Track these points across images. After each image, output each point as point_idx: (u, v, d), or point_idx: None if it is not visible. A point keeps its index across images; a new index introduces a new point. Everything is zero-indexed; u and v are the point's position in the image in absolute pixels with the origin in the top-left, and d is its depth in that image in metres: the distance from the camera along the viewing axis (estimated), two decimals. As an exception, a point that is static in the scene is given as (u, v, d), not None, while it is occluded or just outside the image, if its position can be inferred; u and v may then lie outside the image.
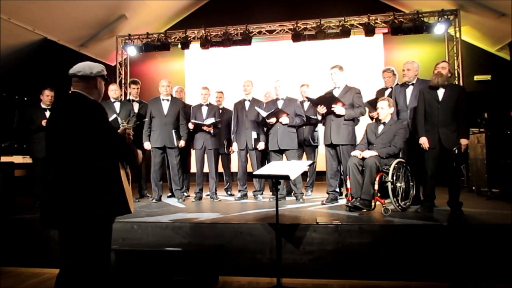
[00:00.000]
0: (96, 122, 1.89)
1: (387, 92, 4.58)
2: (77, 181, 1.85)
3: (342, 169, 4.36)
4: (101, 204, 1.87)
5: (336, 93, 4.26)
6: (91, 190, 1.86)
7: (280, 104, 4.71)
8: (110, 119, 4.12)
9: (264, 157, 5.10)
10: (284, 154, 4.74)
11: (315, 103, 4.31)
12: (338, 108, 4.14)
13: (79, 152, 1.86)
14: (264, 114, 4.59)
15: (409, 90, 4.13)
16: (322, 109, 4.23)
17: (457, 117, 3.60)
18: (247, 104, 4.99)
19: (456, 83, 6.75)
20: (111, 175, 1.93)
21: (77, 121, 1.86)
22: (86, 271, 1.89)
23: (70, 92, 1.99)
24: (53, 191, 1.86)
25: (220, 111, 5.27)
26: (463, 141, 3.56)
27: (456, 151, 3.57)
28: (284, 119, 4.56)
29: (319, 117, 4.52)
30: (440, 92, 3.67)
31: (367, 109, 4.45)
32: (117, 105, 4.91)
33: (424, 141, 3.70)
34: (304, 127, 5.08)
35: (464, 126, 3.61)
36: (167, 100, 4.86)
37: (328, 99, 4.18)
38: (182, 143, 4.83)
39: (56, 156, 1.88)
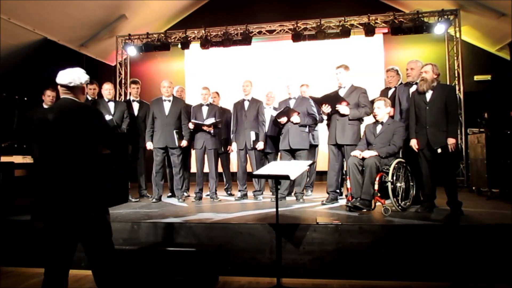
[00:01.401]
0: (98, 122, 2.18)
1: (390, 92, 4.57)
2: (89, 176, 2.09)
3: (345, 169, 4.35)
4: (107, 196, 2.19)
5: (342, 93, 4.25)
6: (101, 184, 2.13)
7: (292, 103, 4.69)
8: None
9: (264, 157, 5.10)
10: (294, 155, 4.64)
11: (319, 102, 4.30)
12: (342, 108, 4.14)
13: (88, 150, 2.12)
14: (274, 113, 4.56)
15: (413, 90, 4.10)
16: (326, 108, 4.23)
17: (447, 117, 3.60)
18: (246, 104, 4.99)
19: (456, 83, 6.75)
20: (115, 168, 2.25)
21: (84, 123, 2.12)
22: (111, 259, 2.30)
23: (61, 97, 2.22)
24: (67, 189, 2.06)
25: (218, 111, 5.27)
26: (450, 140, 3.55)
27: (440, 151, 3.56)
28: (295, 118, 4.53)
29: (325, 117, 4.51)
30: (428, 94, 3.69)
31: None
32: (111, 105, 4.85)
33: (413, 143, 3.74)
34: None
35: (452, 125, 3.60)
36: (169, 100, 4.86)
37: (332, 98, 4.17)
38: (184, 142, 4.83)
39: (65, 155, 2.08)
